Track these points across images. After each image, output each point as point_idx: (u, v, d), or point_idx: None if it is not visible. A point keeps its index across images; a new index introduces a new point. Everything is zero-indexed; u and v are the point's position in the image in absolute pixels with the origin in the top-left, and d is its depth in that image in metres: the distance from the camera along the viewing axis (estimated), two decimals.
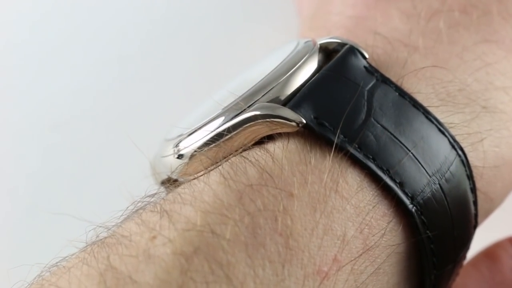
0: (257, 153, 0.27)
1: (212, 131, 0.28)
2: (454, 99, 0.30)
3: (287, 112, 0.27)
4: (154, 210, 0.26)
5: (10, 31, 0.48)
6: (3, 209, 0.44)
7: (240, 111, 0.28)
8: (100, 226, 0.27)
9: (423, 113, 0.29)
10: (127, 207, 0.28)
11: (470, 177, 0.29)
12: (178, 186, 0.28)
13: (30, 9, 0.49)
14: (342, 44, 0.30)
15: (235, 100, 0.29)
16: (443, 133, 0.29)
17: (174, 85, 0.45)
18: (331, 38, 0.31)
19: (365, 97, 0.28)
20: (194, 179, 0.28)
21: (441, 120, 0.29)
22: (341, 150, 0.27)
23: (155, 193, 0.28)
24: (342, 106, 0.28)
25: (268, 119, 0.27)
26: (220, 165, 0.27)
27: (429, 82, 0.30)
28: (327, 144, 0.27)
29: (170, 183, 0.30)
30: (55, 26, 0.49)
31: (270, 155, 0.27)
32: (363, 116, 0.28)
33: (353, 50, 0.30)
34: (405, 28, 0.32)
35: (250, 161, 0.27)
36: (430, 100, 0.30)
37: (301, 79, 0.29)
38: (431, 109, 0.29)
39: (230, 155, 0.28)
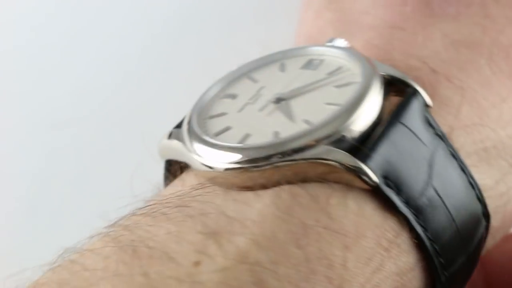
0: (318, 189, 0.27)
1: (279, 154, 0.28)
2: (489, 156, 0.31)
3: (367, 171, 0.27)
4: (195, 227, 0.25)
5: (10, 32, 0.48)
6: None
7: (312, 141, 0.27)
8: (112, 228, 0.26)
9: (468, 178, 0.29)
10: (147, 204, 0.27)
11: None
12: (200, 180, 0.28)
13: (30, 8, 0.49)
14: (402, 81, 0.30)
15: (304, 133, 0.28)
16: (479, 200, 0.30)
17: (176, 85, 0.46)
18: (394, 70, 0.30)
19: (428, 158, 0.29)
20: (237, 192, 0.27)
21: (478, 182, 0.30)
22: (399, 213, 0.27)
23: (180, 195, 0.27)
24: (408, 169, 0.28)
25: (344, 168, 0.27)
26: (277, 191, 0.27)
27: (471, 137, 0.31)
28: (388, 203, 0.27)
29: (178, 165, 0.30)
30: (57, 25, 0.49)
31: (334, 196, 0.27)
32: (424, 178, 0.28)
33: (418, 97, 0.30)
34: (448, 56, 0.32)
35: (311, 195, 0.26)
36: (471, 158, 0.30)
37: (368, 118, 0.29)
38: (472, 170, 0.30)
39: (285, 181, 0.27)
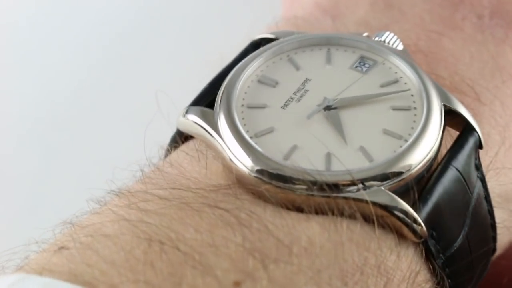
0: (370, 229, 0.26)
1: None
2: (508, 199, 0.31)
3: (419, 229, 0.27)
4: (235, 239, 0.24)
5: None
6: None
7: (375, 183, 0.27)
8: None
9: (491, 221, 0.30)
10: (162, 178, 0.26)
11: None
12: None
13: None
14: (463, 118, 0.29)
15: (366, 172, 0.27)
16: (493, 239, 0.30)
17: (174, 83, 0.45)
18: (456, 102, 0.29)
19: (470, 210, 0.29)
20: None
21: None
22: (434, 260, 0.27)
23: (206, 188, 0.26)
24: (452, 218, 0.28)
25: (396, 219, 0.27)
26: (329, 221, 0.26)
27: (498, 179, 0.31)
28: (427, 251, 0.27)
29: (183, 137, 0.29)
30: (50, 24, 0.49)
31: (384, 239, 0.26)
32: (461, 227, 0.28)
33: (474, 138, 0.29)
34: (494, 86, 0.32)
35: (363, 234, 0.26)
36: (494, 200, 0.30)
37: (427, 158, 0.28)
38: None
39: (337, 211, 0.26)
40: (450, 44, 0.32)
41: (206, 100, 0.30)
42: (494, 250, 0.30)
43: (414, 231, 0.27)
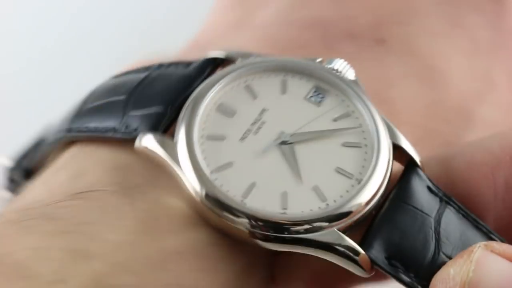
0: None
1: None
2: None
3: (364, 263, 0.28)
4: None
5: None
6: None
7: (327, 225, 0.28)
8: None
9: (486, 233, 0.30)
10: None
11: None
12: None
13: None
14: (406, 152, 0.30)
15: (318, 216, 0.28)
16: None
17: None
18: (403, 140, 0.30)
19: (433, 228, 0.29)
20: None
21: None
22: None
23: None
24: (413, 245, 0.29)
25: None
26: None
27: None
28: (398, 281, 0.28)
29: None
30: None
31: None
32: (432, 250, 0.29)
33: (417, 170, 0.30)
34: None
35: None
36: None
37: (376, 197, 0.29)
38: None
39: None
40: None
41: (164, 125, 0.30)
42: None
43: (354, 261, 0.28)
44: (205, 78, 0.31)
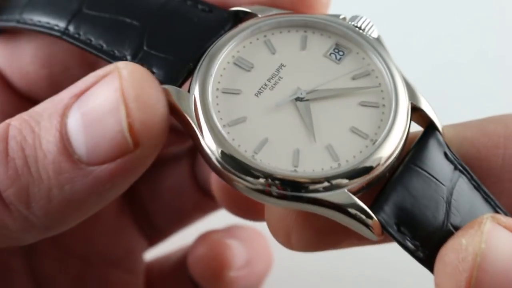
0: None
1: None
2: None
3: (373, 222, 0.28)
4: None
5: None
6: None
7: (340, 184, 0.27)
8: None
9: (494, 207, 0.30)
10: None
11: None
12: None
13: None
14: (425, 113, 0.30)
15: (332, 175, 0.28)
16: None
17: None
18: (421, 100, 0.30)
19: (445, 198, 0.29)
20: None
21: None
22: (415, 256, 0.29)
23: None
24: (424, 213, 0.29)
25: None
26: None
27: None
28: (403, 247, 0.29)
29: None
30: None
31: None
32: (441, 220, 0.29)
33: (436, 133, 0.30)
34: None
35: None
36: None
37: (390, 159, 0.28)
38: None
39: None
40: None
41: (182, 77, 0.30)
42: None
43: (366, 225, 0.28)
44: (226, 32, 0.31)
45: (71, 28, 0.31)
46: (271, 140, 0.28)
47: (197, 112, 0.28)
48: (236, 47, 0.30)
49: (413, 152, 0.29)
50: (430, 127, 0.30)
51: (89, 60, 0.35)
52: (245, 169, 0.27)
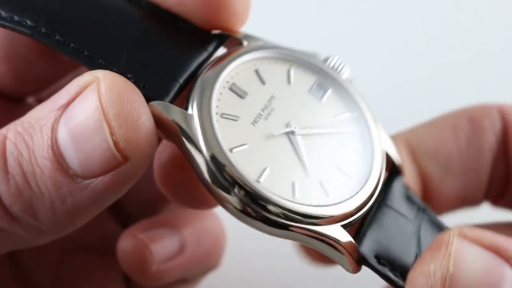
0: None
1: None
2: None
3: (349, 244, 0.29)
4: None
5: None
6: None
7: (330, 220, 0.29)
8: None
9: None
10: None
11: None
12: None
13: None
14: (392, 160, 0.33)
15: (325, 211, 0.29)
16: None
17: None
18: (392, 148, 0.32)
19: (415, 233, 0.31)
20: None
21: None
22: (397, 285, 0.30)
23: None
24: (399, 246, 0.30)
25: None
26: None
27: None
28: (385, 278, 0.30)
29: None
30: None
31: None
32: (415, 251, 0.31)
33: (399, 178, 0.32)
34: None
35: None
36: None
37: (369, 200, 0.30)
38: None
39: None
40: None
41: (172, 92, 0.30)
42: None
43: (352, 258, 0.29)
44: (211, 53, 0.32)
45: (43, 27, 0.31)
46: (271, 170, 0.29)
47: (197, 132, 0.29)
48: (229, 73, 0.31)
49: (383, 193, 0.31)
50: (393, 169, 0.32)
51: (50, 51, 0.35)
52: (253, 197, 0.28)
